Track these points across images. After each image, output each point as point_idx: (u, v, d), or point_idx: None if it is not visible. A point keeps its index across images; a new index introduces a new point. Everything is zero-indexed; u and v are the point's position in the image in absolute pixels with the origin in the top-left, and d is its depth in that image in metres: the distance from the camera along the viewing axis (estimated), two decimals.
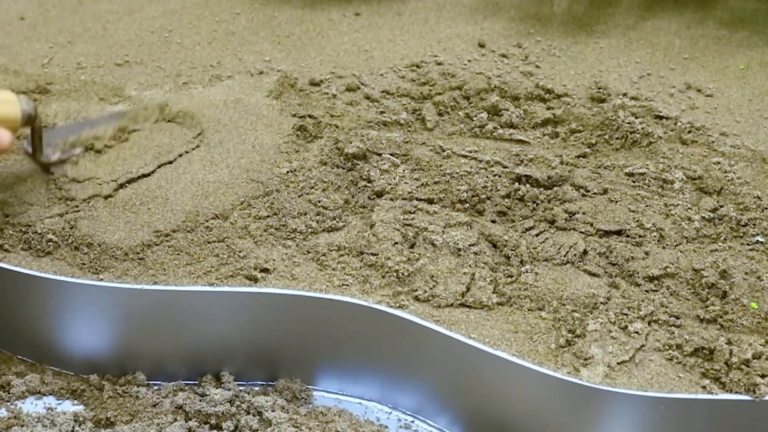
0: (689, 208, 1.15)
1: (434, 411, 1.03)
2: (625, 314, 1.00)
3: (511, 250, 1.08)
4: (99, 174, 1.19)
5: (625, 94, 1.40)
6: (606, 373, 0.94)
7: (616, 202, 1.16)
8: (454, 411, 1.02)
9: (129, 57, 1.49)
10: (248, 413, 0.99)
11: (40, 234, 1.07)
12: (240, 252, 1.07)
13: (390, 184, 1.17)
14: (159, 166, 1.20)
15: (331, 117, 1.32)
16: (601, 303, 1.02)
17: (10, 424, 0.97)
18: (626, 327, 0.99)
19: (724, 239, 1.11)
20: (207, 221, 1.12)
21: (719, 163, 1.25)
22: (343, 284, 1.03)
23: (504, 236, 1.10)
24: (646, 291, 1.04)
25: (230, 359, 1.05)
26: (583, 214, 1.13)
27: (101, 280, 1.02)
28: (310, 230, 1.10)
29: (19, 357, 1.08)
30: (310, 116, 1.32)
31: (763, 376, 0.93)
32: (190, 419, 0.98)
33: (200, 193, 1.16)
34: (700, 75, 1.49)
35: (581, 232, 1.11)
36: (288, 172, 1.20)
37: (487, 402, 0.99)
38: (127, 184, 1.17)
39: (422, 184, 1.18)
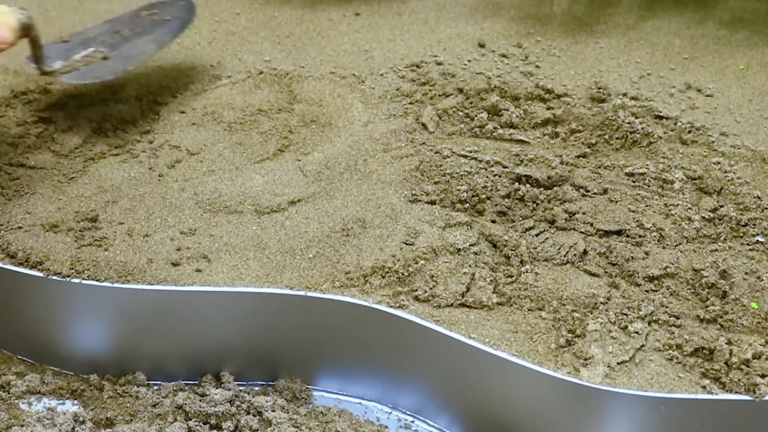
0: (689, 208, 1.15)
1: (434, 411, 1.03)
2: (625, 314, 1.00)
3: (511, 250, 1.08)
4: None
5: (625, 94, 1.40)
6: (606, 373, 0.94)
7: (616, 202, 1.16)
8: (454, 411, 1.02)
9: None
10: (248, 413, 0.99)
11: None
12: None
13: None
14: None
15: None
16: (601, 303, 1.02)
17: (10, 424, 0.97)
18: (626, 327, 0.99)
19: (724, 239, 1.11)
20: None
21: (719, 163, 1.24)
22: (343, 284, 1.03)
23: (504, 236, 1.09)
24: (646, 291, 1.04)
25: (230, 359, 1.05)
26: (583, 214, 1.13)
27: (101, 280, 1.02)
28: None
29: (19, 357, 1.08)
30: None
31: (763, 376, 0.93)
32: (190, 419, 0.98)
33: None
34: (700, 75, 1.49)
35: (581, 232, 1.11)
36: None
37: (487, 402, 0.99)
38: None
39: None
